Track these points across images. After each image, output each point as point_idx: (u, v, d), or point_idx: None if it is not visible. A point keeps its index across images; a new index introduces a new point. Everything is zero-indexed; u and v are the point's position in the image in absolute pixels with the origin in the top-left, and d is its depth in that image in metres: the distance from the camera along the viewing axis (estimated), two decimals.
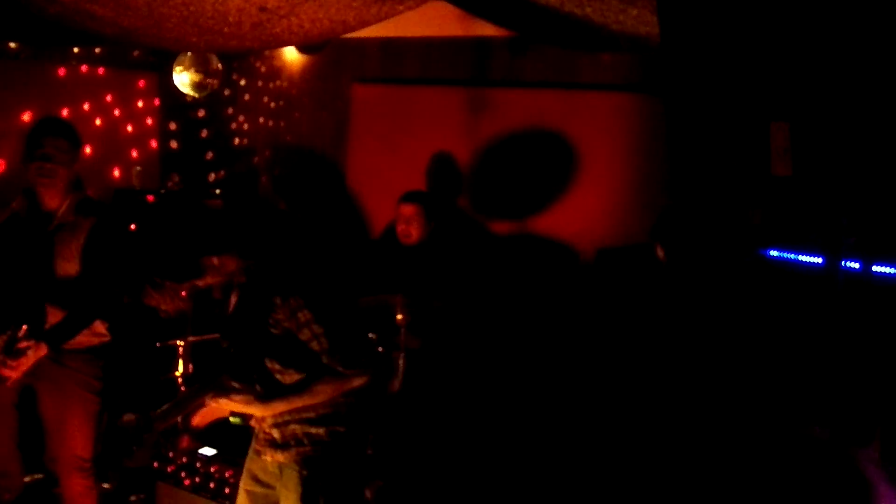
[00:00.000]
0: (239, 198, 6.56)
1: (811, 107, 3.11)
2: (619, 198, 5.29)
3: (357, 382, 3.00)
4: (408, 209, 4.93)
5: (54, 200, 3.91)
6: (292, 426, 3.04)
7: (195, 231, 3.01)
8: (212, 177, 7.16)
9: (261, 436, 3.13)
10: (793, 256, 3.63)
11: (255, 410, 2.99)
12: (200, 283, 3.01)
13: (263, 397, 2.95)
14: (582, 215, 5.42)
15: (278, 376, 3.02)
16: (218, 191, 6.63)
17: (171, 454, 4.45)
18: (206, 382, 3.02)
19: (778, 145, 3.19)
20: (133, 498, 4.66)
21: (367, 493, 4.34)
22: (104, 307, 3.93)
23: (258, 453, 3.15)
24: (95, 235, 3.88)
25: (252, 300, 3.02)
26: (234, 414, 3.11)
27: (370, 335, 4.69)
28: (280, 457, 3.05)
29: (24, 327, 3.63)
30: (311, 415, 3.02)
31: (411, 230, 4.92)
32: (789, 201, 3.62)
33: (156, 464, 4.43)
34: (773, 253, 3.71)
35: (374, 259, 5.22)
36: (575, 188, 5.46)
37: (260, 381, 2.99)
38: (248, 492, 3.20)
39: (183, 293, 2.99)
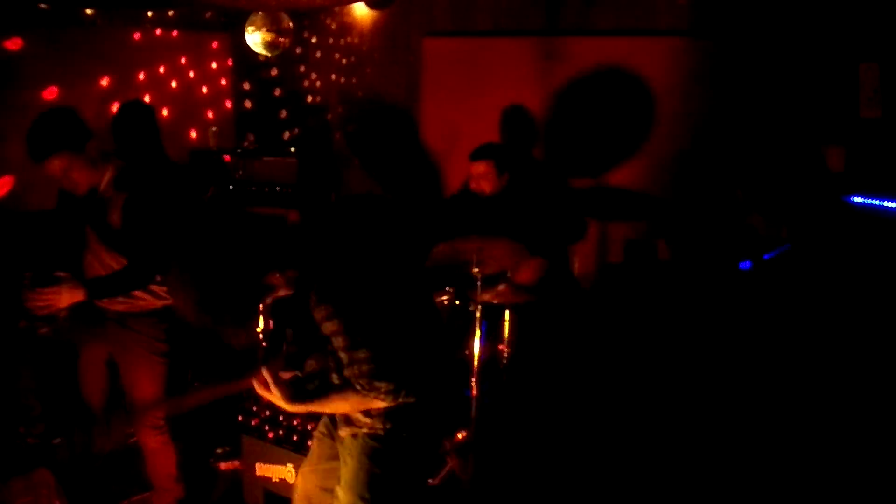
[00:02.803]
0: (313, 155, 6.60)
1: None
2: (692, 146, 5.19)
3: (379, 404, 2.80)
4: (478, 167, 4.87)
5: (93, 179, 3.79)
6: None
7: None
8: (286, 135, 7.23)
9: None
10: (878, 202, 3.51)
11: (285, 408, 2.87)
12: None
13: (292, 398, 2.83)
14: (657, 164, 5.34)
15: (332, 374, 2.87)
16: (292, 149, 6.68)
17: (255, 408, 4.55)
18: (251, 370, 2.95)
19: (867, 86, 3.08)
20: (219, 450, 4.80)
21: (447, 445, 4.38)
22: (147, 276, 3.87)
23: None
24: (127, 210, 3.78)
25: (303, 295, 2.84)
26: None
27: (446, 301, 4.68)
28: (343, 430, 3.01)
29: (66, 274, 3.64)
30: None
31: (483, 186, 4.87)
32: (877, 144, 3.51)
33: (240, 417, 4.54)
34: (857, 199, 3.58)
35: (451, 214, 5.19)
36: (650, 137, 5.36)
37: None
38: (319, 438, 3.21)
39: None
